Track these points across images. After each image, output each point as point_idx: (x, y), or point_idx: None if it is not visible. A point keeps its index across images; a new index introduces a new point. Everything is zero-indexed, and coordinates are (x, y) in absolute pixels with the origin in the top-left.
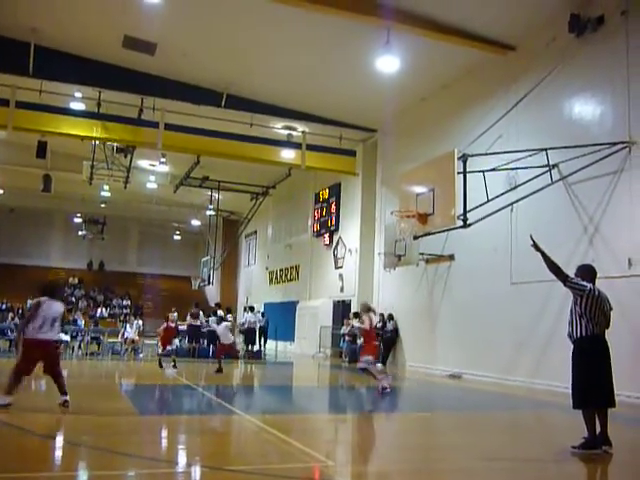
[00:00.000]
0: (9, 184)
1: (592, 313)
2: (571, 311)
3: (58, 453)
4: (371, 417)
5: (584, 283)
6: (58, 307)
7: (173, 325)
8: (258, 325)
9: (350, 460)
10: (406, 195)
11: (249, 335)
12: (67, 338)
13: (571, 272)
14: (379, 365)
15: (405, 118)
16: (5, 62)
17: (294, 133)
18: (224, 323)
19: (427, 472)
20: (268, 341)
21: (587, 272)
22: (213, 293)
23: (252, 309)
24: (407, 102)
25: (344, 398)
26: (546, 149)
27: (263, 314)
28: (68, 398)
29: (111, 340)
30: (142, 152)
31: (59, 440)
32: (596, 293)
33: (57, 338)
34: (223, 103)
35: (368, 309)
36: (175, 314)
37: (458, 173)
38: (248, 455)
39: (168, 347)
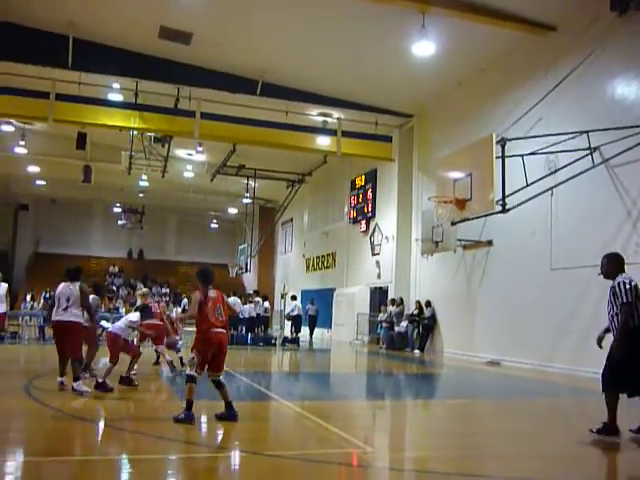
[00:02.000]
0: (50, 175)
1: (634, 306)
2: (611, 303)
3: (101, 437)
4: (410, 404)
5: (632, 284)
6: (65, 288)
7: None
8: (309, 313)
9: (388, 446)
10: (443, 181)
11: (296, 322)
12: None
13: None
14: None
15: (442, 103)
16: (45, 55)
17: (329, 120)
18: (130, 315)
19: (465, 458)
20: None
21: (620, 262)
22: (250, 280)
23: (294, 298)
24: (443, 86)
25: (382, 384)
26: (587, 131)
27: (312, 302)
28: (69, 384)
29: None
30: (179, 141)
31: (101, 424)
32: (636, 287)
33: (70, 319)
34: (258, 91)
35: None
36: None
37: (496, 157)
38: (287, 441)
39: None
